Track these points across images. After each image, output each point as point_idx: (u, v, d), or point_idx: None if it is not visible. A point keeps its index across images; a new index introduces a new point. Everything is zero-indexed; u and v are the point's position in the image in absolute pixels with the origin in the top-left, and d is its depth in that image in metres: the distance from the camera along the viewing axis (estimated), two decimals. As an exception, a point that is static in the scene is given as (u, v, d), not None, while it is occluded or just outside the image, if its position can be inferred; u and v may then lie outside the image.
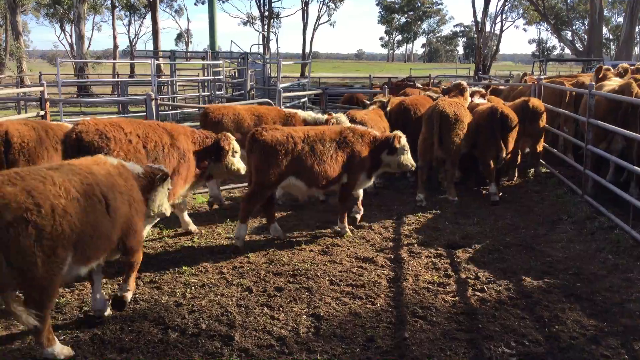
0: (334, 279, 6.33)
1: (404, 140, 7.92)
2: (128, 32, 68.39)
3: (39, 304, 4.32)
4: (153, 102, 9.61)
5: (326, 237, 7.79)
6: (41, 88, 10.06)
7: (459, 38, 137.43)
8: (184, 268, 6.62)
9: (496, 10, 60.50)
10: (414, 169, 8.31)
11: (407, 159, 7.99)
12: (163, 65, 38.65)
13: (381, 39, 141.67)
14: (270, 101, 11.27)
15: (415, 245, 7.46)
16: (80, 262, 4.63)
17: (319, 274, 6.45)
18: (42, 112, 9.85)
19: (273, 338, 4.99)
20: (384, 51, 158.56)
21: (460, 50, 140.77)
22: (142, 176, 5.46)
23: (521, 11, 70.85)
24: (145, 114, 9.90)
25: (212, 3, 28.15)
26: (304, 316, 5.41)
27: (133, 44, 70.78)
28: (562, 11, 61.01)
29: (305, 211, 9.06)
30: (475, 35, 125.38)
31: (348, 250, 7.30)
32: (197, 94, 17.12)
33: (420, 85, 18.14)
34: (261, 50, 32.37)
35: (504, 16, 64.48)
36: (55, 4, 46.36)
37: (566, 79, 13.18)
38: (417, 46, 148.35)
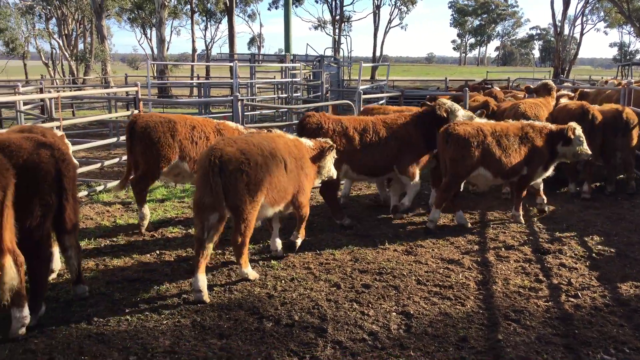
0: (420, 278, 6.35)
1: (578, 130, 8.25)
2: (204, 36, 70.25)
3: (243, 232, 5.94)
4: (239, 103, 9.93)
5: (409, 238, 7.81)
6: (135, 88, 10.59)
7: (535, 41, 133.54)
8: (272, 262, 6.82)
9: (575, 12, 58.61)
10: (590, 158, 8.59)
11: (583, 148, 8.26)
12: (240, 68, 39.67)
13: (453, 42, 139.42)
14: (350, 102, 11.38)
15: (502, 249, 7.35)
16: (269, 204, 6.22)
17: (405, 273, 6.49)
18: (135, 111, 10.35)
19: (365, 332, 5.07)
20: (456, 54, 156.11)
21: (537, 53, 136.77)
22: (312, 148, 6.99)
23: (602, 14, 68.14)
24: (227, 114, 10.24)
25: (287, 7, 28.63)
26: (394, 313, 5.46)
27: (209, 47, 72.85)
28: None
29: (383, 210, 9.09)
30: (553, 39, 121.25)
31: (432, 251, 7.28)
32: (274, 96, 17.46)
33: (498, 89, 17.80)
34: (333, 54, 32.62)
35: (584, 19, 62.21)
36: (137, 9, 48.36)
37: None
38: (491, 49, 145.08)
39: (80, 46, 50.56)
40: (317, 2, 77.25)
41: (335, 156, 7.28)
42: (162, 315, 5.38)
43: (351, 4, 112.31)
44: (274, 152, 6.22)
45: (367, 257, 7.02)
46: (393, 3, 77.51)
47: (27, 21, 42.27)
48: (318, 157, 7.04)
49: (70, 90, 18.68)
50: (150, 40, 63.68)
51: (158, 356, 4.64)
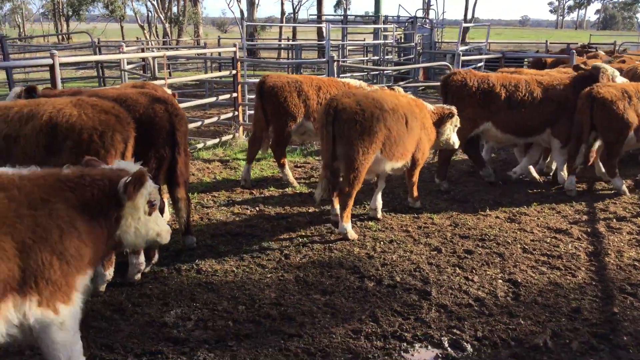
0: (526, 247, 6.11)
1: None
2: (291, -1, 70.04)
3: (351, 184, 6.08)
4: (335, 64, 9.83)
5: (511, 205, 7.53)
6: (234, 49, 10.71)
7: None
8: (370, 224, 6.79)
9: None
10: None
11: None
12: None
13: (550, 4, 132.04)
14: (449, 64, 11.00)
15: (614, 220, 6.94)
16: (387, 158, 6.29)
17: (509, 241, 6.27)
18: (234, 72, 10.51)
19: (470, 298, 4.96)
20: (552, 17, 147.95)
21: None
22: (434, 112, 6.95)
23: None
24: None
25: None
26: (500, 281, 5.30)
27: (296, 10, 72.77)
28: None
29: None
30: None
31: (537, 219, 6.99)
32: (365, 58, 17.23)
33: (602, 53, 16.66)
34: (423, 15, 31.56)
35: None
36: (229, -28, 48.73)
37: None
38: (590, 12, 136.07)
39: (174, 9, 51.95)
40: (408, -39, 75.07)
41: (457, 125, 7.13)
42: (266, 269, 5.50)
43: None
44: (396, 108, 6.26)
45: (467, 223, 6.84)
46: (488, -38, 73.80)
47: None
48: (438, 122, 6.98)
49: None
50: (240, 2, 64.57)
51: (265, 307, 4.75)
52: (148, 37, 49.57)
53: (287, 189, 8.15)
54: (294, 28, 53.09)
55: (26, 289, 3.01)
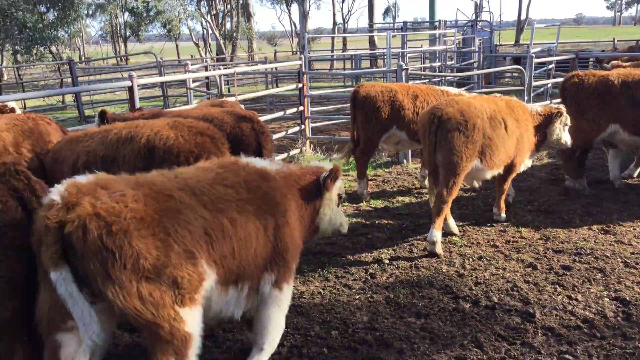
0: (627, 261, 5.72)
1: None
2: (341, 8, 70.36)
3: (450, 190, 6.09)
4: (404, 72, 9.62)
5: (602, 215, 7.11)
6: (299, 62, 10.66)
7: None
8: (455, 239, 6.52)
9: None
10: None
11: None
12: (380, 38, 39.32)
13: (607, 0, 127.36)
14: (522, 68, 10.60)
15: None
16: (486, 167, 6.30)
17: (608, 255, 5.88)
18: (300, 85, 10.44)
19: (578, 319, 4.63)
20: (608, 14, 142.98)
21: None
22: (539, 113, 6.86)
23: None
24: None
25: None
26: (607, 299, 4.95)
27: (346, 20, 72.94)
28: None
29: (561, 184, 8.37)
30: None
31: (634, 230, 6.56)
32: (427, 65, 16.93)
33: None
34: (475, 17, 30.88)
35: None
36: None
37: None
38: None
39: (227, 25, 52.89)
40: (456, -35, 74.08)
41: (568, 123, 6.94)
42: (353, 290, 5.33)
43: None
44: (494, 115, 6.32)
45: (559, 236, 6.48)
46: (541, -39, 71.94)
47: (181, 3, 44.79)
48: (546, 123, 6.87)
49: (227, 68, 19.47)
50: (290, 15, 65.31)
51: (359, 332, 4.57)
52: (203, 54, 50.74)
53: (361, 204, 7.96)
54: (344, 38, 53.41)
55: (271, 268, 3.57)
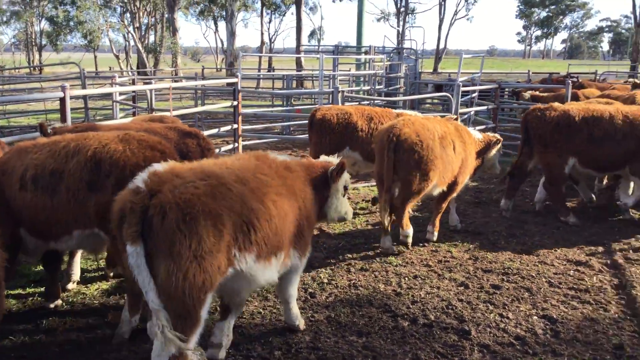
0: (552, 281, 6.05)
1: None
2: (268, 29, 70.75)
3: (403, 203, 6.63)
4: (340, 95, 9.80)
5: (525, 237, 7.50)
6: (235, 80, 10.62)
7: (605, 33, 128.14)
8: (390, 259, 6.66)
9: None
10: None
11: None
12: (308, 60, 39.91)
13: (518, 34, 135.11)
14: (449, 95, 11.07)
15: (630, 251, 6.95)
16: (438, 185, 6.81)
17: (533, 275, 6.21)
18: (235, 103, 10.40)
19: (510, 336, 4.85)
20: (518, 47, 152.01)
21: (605, 46, 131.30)
22: (481, 140, 7.50)
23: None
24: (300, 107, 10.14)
25: (361, 1, 28.18)
26: (535, 317, 5.21)
27: (272, 40, 73.42)
28: None
29: (488, 207, 8.79)
30: (624, 31, 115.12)
31: (555, 252, 6.96)
32: (356, 88, 17.32)
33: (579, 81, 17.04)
34: (396, 45, 31.90)
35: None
36: (210, 3, 49.14)
37: None
38: (556, 42, 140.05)
39: (151, 38, 51.91)
40: (381, -7, 76.54)
41: (500, 152, 7.53)
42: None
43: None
44: (445, 135, 6.82)
45: (487, 256, 6.77)
46: (461, -6, 75.69)
47: (104, 14, 43.55)
48: (485, 150, 7.53)
49: (150, 82, 19.05)
50: (217, 32, 64.97)
51: (303, 352, 4.56)
52: (124, 67, 49.41)
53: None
54: (270, 58, 53.75)
55: (297, 243, 4.35)
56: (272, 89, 23.93)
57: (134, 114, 14.20)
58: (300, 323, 4.87)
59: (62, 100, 6.62)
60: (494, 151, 7.52)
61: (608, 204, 9.04)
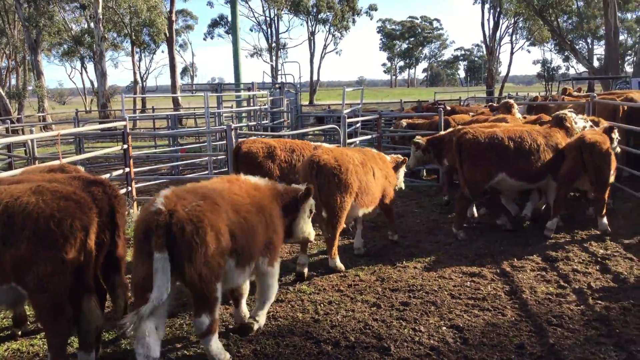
0: (453, 293, 6.57)
1: None
2: (139, 68, 68.98)
3: (334, 228, 7.24)
4: (233, 132, 9.96)
5: (423, 255, 8.03)
6: (124, 123, 10.41)
7: (460, 62, 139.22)
8: (303, 287, 6.88)
9: (500, 33, 61.44)
10: None
11: None
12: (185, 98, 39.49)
13: (383, 65, 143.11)
14: (337, 127, 11.60)
15: (515, 259, 7.69)
16: (357, 205, 7.51)
17: (435, 289, 6.70)
18: (125, 146, 10.18)
19: (426, 348, 5.23)
20: (385, 77, 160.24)
21: (462, 73, 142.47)
22: (391, 161, 8.56)
23: (524, 32, 71.61)
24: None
25: (235, 38, 28.50)
26: (444, 327, 5.65)
27: (144, 79, 71.80)
28: (568, 31, 61.62)
29: (385, 230, 9.31)
30: (477, 59, 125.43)
31: (451, 266, 7.53)
32: (242, 124, 17.51)
33: (448, 107, 18.51)
34: (271, 80, 32.63)
35: (514, 37, 65.59)
36: (76, 43, 47.20)
37: (615, 95, 13.54)
38: (419, 71, 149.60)
39: (13, 82, 48.81)
40: (252, 30, 78.01)
41: (405, 170, 8.49)
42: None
43: (287, 31, 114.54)
44: (365, 162, 7.66)
45: (392, 276, 7.19)
46: (327, 29, 79.02)
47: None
48: (396, 168, 8.54)
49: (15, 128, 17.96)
50: (82, 73, 62.40)
51: (236, 387, 4.62)
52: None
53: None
54: (143, 98, 52.60)
55: (265, 252, 5.30)
56: (153, 130, 23.47)
57: (10, 165, 13.40)
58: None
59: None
60: (402, 169, 8.72)
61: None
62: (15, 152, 13.78)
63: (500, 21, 57.96)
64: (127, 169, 10.28)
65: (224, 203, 4.80)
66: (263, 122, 17.33)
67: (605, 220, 8.64)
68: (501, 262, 7.64)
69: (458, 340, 5.38)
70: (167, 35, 44.47)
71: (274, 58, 73.28)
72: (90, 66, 57.24)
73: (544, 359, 4.98)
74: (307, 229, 5.97)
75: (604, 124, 9.85)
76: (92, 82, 54.89)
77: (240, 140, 9.02)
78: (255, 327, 5.54)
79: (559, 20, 46.11)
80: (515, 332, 5.51)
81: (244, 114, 20.02)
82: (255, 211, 5.13)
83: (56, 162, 7.98)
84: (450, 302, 6.32)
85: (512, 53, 65.74)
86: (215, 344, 4.84)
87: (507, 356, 5.03)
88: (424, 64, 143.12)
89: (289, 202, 5.72)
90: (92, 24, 39.82)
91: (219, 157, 15.07)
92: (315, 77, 80.00)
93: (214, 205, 4.67)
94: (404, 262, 7.75)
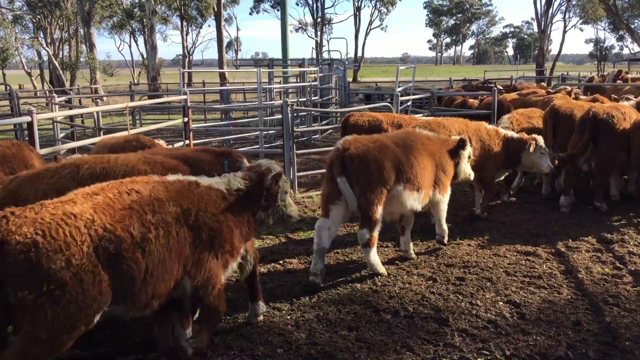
0: (508, 270, 6.71)
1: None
2: (185, 41, 69.87)
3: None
4: (289, 108, 10.19)
5: (476, 232, 8.16)
6: (185, 97, 10.76)
7: (509, 39, 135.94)
8: (361, 260, 7.11)
9: (552, 10, 59.73)
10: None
11: None
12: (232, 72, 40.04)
13: (429, 41, 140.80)
14: (390, 105, 11.71)
15: (570, 240, 7.75)
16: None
17: (490, 266, 6.84)
18: (185, 119, 10.54)
19: (483, 321, 5.40)
20: (430, 54, 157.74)
21: (510, 51, 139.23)
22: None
23: (577, 10, 69.45)
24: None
25: (284, 13, 28.66)
26: (501, 303, 5.81)
27: (191, 53, 72.76)
28: (624, 9, 59.45)
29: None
30: (527, 36, 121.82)
31: (505, 244, 7.64)
32: (293, 100, 17.71)
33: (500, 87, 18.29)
34: (316, 56, 32.62)
35: (566, 15, 63.74)
36: (127, 17, 48.14)
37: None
38: (465, 48, 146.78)
39: (65, 54, 50.10)
40: (297, 5, 77.80)
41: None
42: (283, 312, 5.65)
43: (332, 6, 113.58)
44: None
45: (446, 252, 7.35)
46: (373, 5, 78.25)
47: (17, 30, 41.73)
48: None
49: (93, 101, 18.60)
50: (131, 46, 63.66)
51: (303, 347, 4.91)
52: (37, 84, 47.41)
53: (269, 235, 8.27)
54: (189, 73, 53.30)
55: (436, 185, 6.91)
56: (204, 103, 23.94)
57: (72, 134, 14.00)
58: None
59: (30, 125, 6.59)
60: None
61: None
62: (77, 121, 14.35)
63: (554, -2, 56.42)
64: (187, 142, 10.65)
65: (394, 147, 6.45)
66: (313, 98, 17.49)
67: None
68: (556, 242, 7.71)
69: (515, 315, 5.54)
70: (215, 9, 44.91)
71: (318, 33, 73.09)
72: (139, 39, 58.39)
73: (600, 335, 5.09)
74: (468, 170, 7.32)
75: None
76: (141, 55, 55.94)
77: (349, 112, 9.25)
78: (445, 240, 7.34)
79: (615, -3, 44.51)
80: (571, 309, 5.62)
81: (291, 90, 20.24)
82: (427, 154, 6.69)
83: (124, 133, 8.38)
84: (506, 279, 6.46)
85: (564, 31, 63.75)
86: (373, 256, 6.45)
87: (564, 332, 5.16)
88: (470, 41, 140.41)
89: (453, 150, 7.09)
90: (143, -2, 40.53)
91: (269, 132, 15.39)
92: (359, 54, 79.51)
93: (381, 147, 6.32)
94: (458, 239, 7.89)
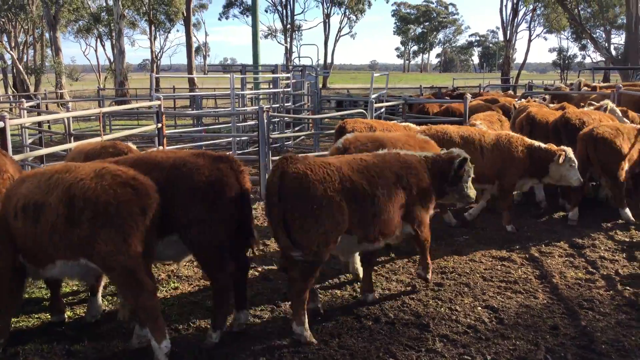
0: (484, 275, 6.80)
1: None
2: (154, 45, 68.92)
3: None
4: (265, 114, 10.16)
5: (450, 237, 8.25)
6: (158, 102, 10.63)
7: (474, 48, 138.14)
8: (338, 266, 7.11)
9: (517, 19, 60.97)
10: None
11: None
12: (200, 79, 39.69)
13: (397, 49, 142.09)
14: (365, 112, 11.78)
15: (543, 245, 7.89)
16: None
17: (467, 272, 6.93)
18: (159, 125, 10.42)
19: (463, 326, 5.46)
20: (397, 62, 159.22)
21: (476, 60, 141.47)
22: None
23: (542, 20, 70.95)
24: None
25: (255, 19, 28.56)
26: (479, 308, 5.88)
27: (158, 57, 71.81)
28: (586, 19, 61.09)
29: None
30: (492, 45, 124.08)
31: (479, 250, 7.73)
32: (269, 106, 17.68)
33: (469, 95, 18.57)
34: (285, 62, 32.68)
35: (531, 25, 65.16)
36: (94, 21, 47.40)
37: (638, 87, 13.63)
38: (432, 56, 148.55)
39: (30, 58, 48.93)
40: (267, 11, 77.67)
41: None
42: (263, 320, 5.62)
43: (302, 12, 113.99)
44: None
45: (424, 258, 7.41)
46: (343, 12, 78.66)
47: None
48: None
49: (58, 106, 18.25)
50: (97, 50, 62.61)
51: (286, 355, 4.89)
52: (0, 89, 46.18)
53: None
54: (157, 78, 52.58)
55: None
56: (174, 109, 23.66)
57: (40, 140, 13.66)
58: None
59: (2, 131, 6.42)
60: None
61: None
62: (44, 127, 14.04)
63: (519, 7, 57.67)
64: (160, 147, 10.52)
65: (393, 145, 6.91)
66: (285, 104, 17.49)
67: (627, 210, 8.81)
68: (529, 247, 7.85)
69: (494, 320, 5.61)
70: (185, 14, 44.55)
71: (288, 40, 73.12)
72: (106, 44, 57.45)
73: (578, 339, 5.20)
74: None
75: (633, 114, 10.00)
76: (108, 59, 54.98)
77: (345, 120, 9.13)
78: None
79: (579, 7, 45.72)
80: (548, 314, 5.73)
81: (262, 96, 20.18)
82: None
83: (97, 139, 8.24)
84: (483, 284, 6.55)
85: (529, 40, 65.20)
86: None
87: (543, 336, 5.25)
88: (437, 49, 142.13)
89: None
90: (110, 1, 40.00)
91: (242, 139, 15.30)
92: (329, 60, 79.83)
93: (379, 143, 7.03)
94: (434, 245, 7.92)
